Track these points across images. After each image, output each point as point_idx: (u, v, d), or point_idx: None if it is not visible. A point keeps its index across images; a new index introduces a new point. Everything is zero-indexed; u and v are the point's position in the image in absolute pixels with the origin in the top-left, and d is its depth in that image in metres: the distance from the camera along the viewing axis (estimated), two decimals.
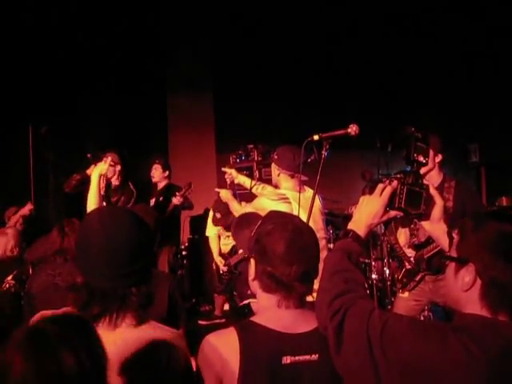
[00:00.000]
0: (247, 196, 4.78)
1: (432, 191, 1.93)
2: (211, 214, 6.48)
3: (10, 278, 4.10)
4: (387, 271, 5.74)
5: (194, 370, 1.72)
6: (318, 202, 3.79)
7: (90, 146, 5.33)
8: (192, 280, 7.49)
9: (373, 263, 6.01)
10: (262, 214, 2.13)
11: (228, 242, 6.29)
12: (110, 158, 3.76)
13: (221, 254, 6.29)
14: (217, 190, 4.96)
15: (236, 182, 4.73)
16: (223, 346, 1.68)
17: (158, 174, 6.44)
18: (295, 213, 3.13)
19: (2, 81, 6.60)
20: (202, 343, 1.72)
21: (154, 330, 1.70)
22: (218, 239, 6.39)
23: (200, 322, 6.46)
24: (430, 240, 3.67)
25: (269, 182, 4.40)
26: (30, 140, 6.81)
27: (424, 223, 1.99)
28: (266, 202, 3.75)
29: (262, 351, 1.67)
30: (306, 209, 3.28)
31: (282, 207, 3.60)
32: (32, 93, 6.82)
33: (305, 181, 3.88)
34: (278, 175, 3.94)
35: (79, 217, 3.43)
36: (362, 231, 1.84)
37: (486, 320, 1.42)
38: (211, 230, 6.45)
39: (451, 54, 7.42)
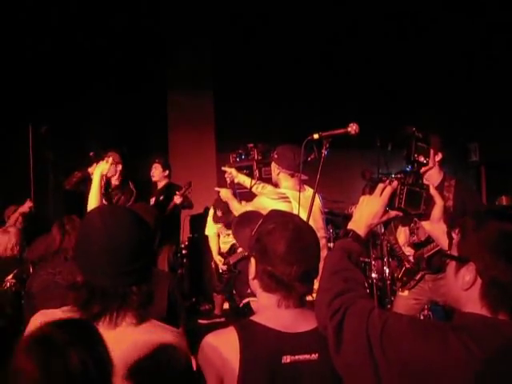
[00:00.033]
0: (247, 195, 4.78)
1: (432, 191, 1.93)
2: (211, 212, 6.48)
3: (10, 277, 4.10)
4: (387, 270, 5.73)
5: (194, 369, 1.72)
6: (317, 201, 3.79)
7: (90, 146, 5.33)
8: (192, 279, 7.50)
9: (373, 262, 6.01)
10: (263, 213, 2.13)
11: (227, 241, 6.29)
12: (111, 158, 3.76)
13: (220, 253, 6.29)
14: (217, 189, 4.96)
15: (236, 181, 4.73)
16: (223, 346, 1.68)
17: (157, 173, 6.44)
18: (295, 212, 3.13)
19: (2, 80, 6.60)
20: (201, 342, 1.72)
21: (154, 329, 1.70)
22: (218, 238, 6.39)
23: (200, 321, 6.46)
24: (429, 239, 3.67)
25: (269, 181, 4.40)
26: (30, 139, 6.82)
27: (424, 223, 1.99)
28: (266, 201, 3.75)
29: (261, 350, 1.67)
30: (306, 208, 3.28)
31: (281, 206, 3.60)
32: (32, 92, 6.82)
33: (305, 180, 3.88)
34: (278, 174, 3.94)
35: (79, 215, 3.43)
36: (361, 231, 1.84)
37: (486, 319, 1.42)
38: (211, 229, 6.45)
39: (451, 54, 7.42)
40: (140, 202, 5.30)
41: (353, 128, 3.12)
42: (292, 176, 3.86)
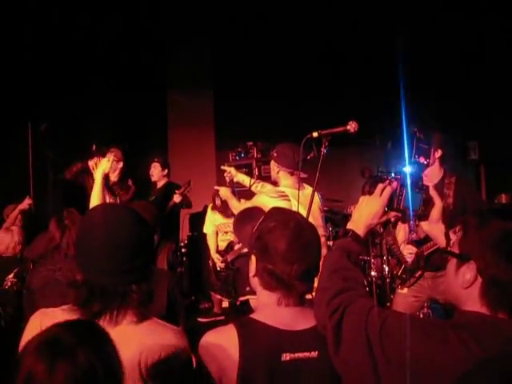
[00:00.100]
0: (246, 194, 4.79)
1: (431, 192, 1.94)
2: (209, 210, 6.48)
3: (11, 276, 4.09)
4: (386, 268, 5.74)
5: (194, 366, 1.72)
6: (317, 199, 3.79)
7: (90, 144, 5.32)
8: (191, 277, 7.49)
9: (372, 260, 6.01)
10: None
11: (225, 239, 6.29)
12: (112, 156, 3.76)
13: (218, 251, 6.29)
14: (216, 187, 4.96)
15: (235, 180, 4.73)
16: (223, 343, 1.68)
17: (156, 172, 6.43)
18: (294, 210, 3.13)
19: (2, 78, 6.59)
20: (201, 340, 1.72)
21: (155, 327, 1.70)
22: (216, 236, 6.39)
23: (199, 320, 6.46)
24: (429, 237, 3.67)
25: (268, 179, 4.40)
26: (30, 137, 6.81)
27: (422, 223, 2.00)
28: (266, 199, 3.75)
29: (261, 348, 1.67)
30: (306, 206, 3.28)
31: (281, 204, 3.59)
32: (31, 90, 6.81)
33: (304, 178, 3.88)
34: (278, 172, 3.94)
35: (79, 212, 3.43)
36: (361, 231, 1.85)
37: (485, 318, 1.42)
38: (209, 227, 6.45)
39: (450, 53, 7.42)
40: (139, 201, 5.30)
41: (352, 126, 3.11)
42: (291, 174, 3.86)
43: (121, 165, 5.51)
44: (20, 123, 6.79)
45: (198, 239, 7.34)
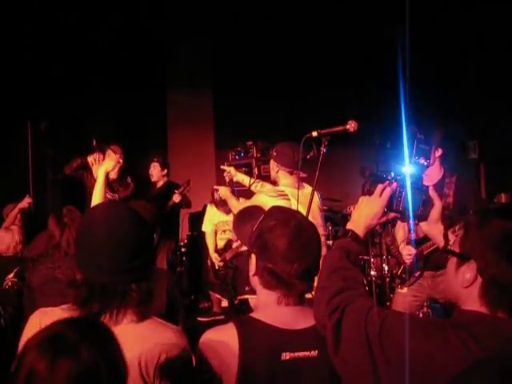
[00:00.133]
0: (246, 193, 4.78)
1: (431, 193, 1.94)
2: (208, 208, 6.49)
3: (11, 275, 4.08)
4: (386, 268, 5.75)
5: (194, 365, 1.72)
6: (316, 198, 3.78)
7: (89, 143, 5.32)
8: (191, 277, 7.50)
9: (372, 260, 6.02)
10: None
11: (224, 237, 6.30)
12: (117, 157, 3.76)
13: (216, 250, 6.30)
14: (215, 187, 4.96)
15: (235, 179, 4.73)
16: (222, 341, 1.68)
17: (156, 172, 6.44)
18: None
19: (1, 77, 6.58)
20: (201, 338, 1.72)
21: (155, 326, 1.70)
22: (215, 235, 6.40)
23: (199, 319, 6.46)
24: (428, 236, 3.66)
25: (268, 178, 4.40)
26: (29, 136, 6.81)
27: (422, 224, 2.00)
28: (265, 198, 3.74)
29: (261, 347, 1.67)
30: (305, 205, 3.28)
31: (280, 204, 3.59)
32: (30, 89, 6.81)
33: (304, 177, 3.88)
34: (277, 172, 3.93)
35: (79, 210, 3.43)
36: (360, 231, 1.85)
37: (485, 317, 1.42)
38: (208, 226, 6.46)
39: (450, 52, 7.42)
40: (139, 200, 5.30)
41: (351, 125, 3.12)
42: (291, 173, 3.86)
43: (120, 162, 5.51)
44: (19, 122, 6.79)
45: (198, 239, 7.35)
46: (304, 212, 3.16)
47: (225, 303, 6.46)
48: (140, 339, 1.62)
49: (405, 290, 4.02)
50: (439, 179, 3.79)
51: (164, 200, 6.12)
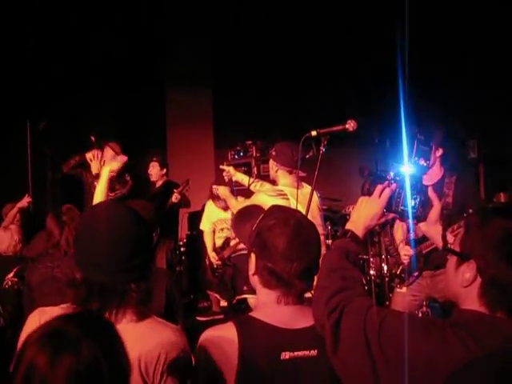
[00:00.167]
0: (245, 193, 4.78)
1: (430, 194, 1.94)
2: (207, 206, 6.49)
3: (11, 275, 4.08)
4: (385, 267, 5.75)
5: (193, 365, 1.72)
6: (315, 197, 3.78)
7: (88, 142, 5.32)
8: (190, 276, 7.49)
9: (371, 259, 6.02)
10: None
11: (221, 236, 6.30)
12: (122, 162, 3.77)
13: (214, 249, 6.30)
14: (215, 186, 4.96)
15: (234, 179, 4.73)
16: (222, 341, 1.68)
17: (155, 171, 6.44)
18: None
19: (0, 77, 6.58)
20: (200, 337, 1.72)
21: (154, 326, 1.71)
22: (213, 234, 6.39)
23: (198, 318, 6.46)
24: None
25: (267, 178, 4.40)
26: (28, 136, 6.80)
27: (420, 224, 2.00)
28: (264, 197, 3.74)
29: (260, 346, 1.67)
30: (304, 205, 3.28)
31: (279, 203, 3.59)
32: (29, 88, 6.80)
33: (303, 177, 3.88)
34: (276, 171, 3.93)
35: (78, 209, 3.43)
36: (359, 232, 1.86)
37: (484, 316, 1.41)
38: (206, 224, 6.46)
39: (449, 51, 7.42)
40: (138, 199, 5.30)
41: (351, 125, 3.12)
42: (290, 173, 3.86)
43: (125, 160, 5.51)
44: (19, 122, 6.78)
45: (197, 238, 7.35)
46: (303, 211, 3.16)
47: (224, 303, 6.46)
48: (140, 338, 1.62)
49: (404, 289, 4.02)
50: (439, 179, 3.80)
51: (163, 199, 6.11)
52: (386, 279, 5.70)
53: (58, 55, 7.07)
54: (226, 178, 4.84)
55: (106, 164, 3.42)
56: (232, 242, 6.03)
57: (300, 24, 7.59)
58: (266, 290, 1.79)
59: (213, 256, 6.24)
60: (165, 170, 6.50)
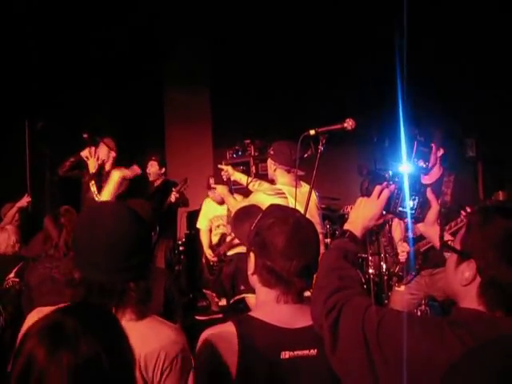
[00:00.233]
0: (244, 192, 4.79)
1: (429, 195, 1.94)
2: (204, 203, 6.48)
3: (12, 275, 4.07)
4: (384, 266, 5.76)
5: (193, 364, 1.72)
6: (314, 196, 3.79)
7: (87, 142, 5.32)
8: (189, 275, 7.49)
9: (370, 258, 6.03)
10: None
11: (218, 232, 6.30)
12: (138, 170, 3.79)
13: (210, 246, 6.30)
14: (213, 185, 4.96)
15: (232, 178, 4.73)
16: (221, 340, 1.68)
17: (154, 170, 6.43)
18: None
19: None
20: (200, 337, 1.72)
21: (153, 325, 1.71)
22: (210, 233, 6.39)
23: (197, 318, 6.46)
24: None
25: (266, 177, 4.40)
26: (26, 135, 6.79)
27: (419, 225, 2.01)
28: (263, 197, 3.75)
29: (260, 346, 1.67)
30: (303, 203, 3.29)
31: (278, 202, 3.59)
32: (28, 88, 6.80)
33: (301, 176, 3.88)
34: (275, 170, 3.94)
35: (76, 208, 3.43)
36: (358, 232, 1.86)
37: (482, 315, 1.41)
38: (203, 222, 6.46)
39: (448, 51, 7.42)
40: (136, 199, 5.30)
41: (349, 123, 3.12)
42: (288, 172, 3.86)
43: (113, 155, 5.50)
44: (17, 121, 6.77)
45: (196, 237, 7.35)
46: (301, 210, 3.16)
47: (222, 302, 6.47)
48: (139, 337, 1.61)
49: (402, 288, 4.03)
50: (437, 178, 3.82)
51: (162, 199, 6.11)
52: (385, 278, 5.71)
53: (56, 54, 7.06)
54: (224, 177, 4.84)
55: (119, 170, 3.45)
56: (228, 238, 6.04)
57: (298, 23, 7.59)
58: (265, 288, 1.79)
59: (209, 253, 6.25)
60: (163, 169, 6.50)
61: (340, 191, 7.24)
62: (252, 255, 1.83)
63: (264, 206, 2.04)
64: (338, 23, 7.60)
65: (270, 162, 3.99)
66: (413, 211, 1.92)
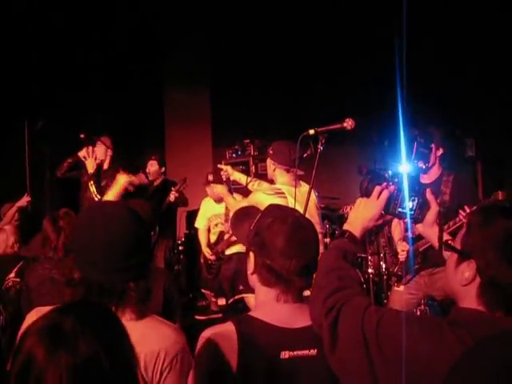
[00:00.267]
0: (243, 192, 4.79)
1: (428, 196, 1.94)
2: (203, 204, 6.48)
3: (12, 275, 4.07)
4: (383, 265, 5.76)
5: (193, 364, 1.72)
6: (313, 196, 3.79)
7: (85, 142, 5.31)
8: (189, 275, 7.50)
9: (369, 258, 6.03)
10: (260, 208, 2.13)
11: (216, 231, 6.29)
12: (144, 179, 3.82)
13: (209, 245, 6.30)
14: (212, 184, 4.96)
15: (232, 178, 4.73)
16: (221, 340, 1.67)
17: (154, 170, 6.43)
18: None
19: None
20: (200, 337, 1.72)
21: (153, 324, 1.71)
22: (208, 233, 6.39)
23: (197, 317, 6.46)
24: None
25: (265, 176, 4.40)
26: (26, 135, 6.79)
27: (418, 226, 2.01)
28: (262, 196, 3.75)
29: (260, 346, 1.67)
30: (302, 203, 3.29)
31: (277, 201, 3.59)
32: (28, 88, 6.80)
33: (301, 175, 3.88)
34: (274, 170, 3.94)
35: (75, 209, 3.43)
36: (357, 232, 1.87)
37: (482, 315, 1.41)
38: (201, 221, 6.46)
39: (448, 50, 7.42)
40: (136, 199, 5.29)
41: (348, 123, 3.12)
42: (287, 171, 3.86)
43: (110, 153, 5.50)
44: (17, 121, 6.76)
45: (195, 237, 7.36)
46: (301, 210, 3.16)
47: (221, 301, 6.47)
48: (139, 337, 1.61)
49: (401, 287, 4.04)
50: (437, 177, 3.82)
51: (161, 198, 6.11)
52: (385, 277, 5.71)
53: (56, 54, 7.06)
54: (223, 177, 4.84)
55: (125, 175, 3.48)
56: (226, 236, 6.04)
57: (298, 23, 7.59)
58: (264, 288, 1.79)
59: (207, 251, 6.25)
60: (163, 169, 6.50)
61: (339, 191, 7.25)
62: (251, 255, 1.83)
63: (263, 206, 2.04)
64: (338, 23, 7.60)
65: (269, 161, 3.99)
66: (412, 212, 1.92)
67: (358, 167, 6.94)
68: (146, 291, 1.70)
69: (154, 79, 8.69)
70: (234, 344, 1.65)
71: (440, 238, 1.74)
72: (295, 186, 3.53)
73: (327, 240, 5.81)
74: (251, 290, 1.90)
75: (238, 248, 5.78)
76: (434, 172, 3.84)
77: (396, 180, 1.93)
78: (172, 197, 6.07)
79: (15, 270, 4.07)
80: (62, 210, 3.42)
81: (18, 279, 3.99)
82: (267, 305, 1.78)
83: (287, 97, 7.99)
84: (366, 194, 1.94)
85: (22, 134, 6.78)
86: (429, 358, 1.35)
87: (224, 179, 4.84)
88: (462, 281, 1.46)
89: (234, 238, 5.47)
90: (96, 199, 4.71)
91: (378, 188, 1.90)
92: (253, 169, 5.60)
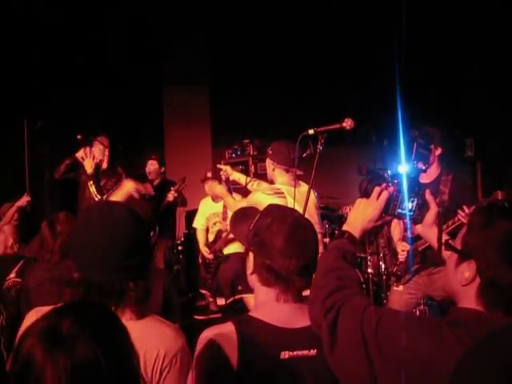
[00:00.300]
0: (243, 192, 4.79)
1: (428, 197, 1.94)
2: (201, 204, 6.49)
3: (13, 275, 4.06)
4: (383, 265, 5.76)
5: (192, 364, 1.72)
6: (313, 196, 3.79)
7: (82, 142, 5.31)
8: (188, 275, 7.50)
9: (368, 257, 6.03)
10: (259, 208, 2.13)
11: (214, 230, 6.30)
12: (151, 190, 3.84)
13: (207, 244, 6.30)
14: (210, 179, 4.96)
15: (231, 178, 4.73)
16: (221, 340, 1.67)
17: (153, 169, 6.43)
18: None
19: None
20: (199, 337, 1.72)
21: (153, 324, 1.71)
22: (206, 233, 6.40)
23: (196, 317, 6.46)
24: None
25: (264, 176, 4.40)
26: (25, 135, 6.79)
27: (417, 226, 2.01)
28: (261, 196, 3.74)
29: (260, 346, 1.67)
30: (301, 203, 3.29)
31: (276, 201, 3.59)
32: (27, 88, 6.79)
33: (300, 175, 3.88)
34: (273, 170, 3.94)
35: (75, 210, 3.42)
36: (357, 233, 1.86)
37: (481, 315, 1.41)
38: (200, 221, 6.46)
39: (448, 50, 7.42)
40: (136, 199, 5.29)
41: (348, 123, 3.13)
42: (287, 171, 3.86)
43: (107, 152, 5.50)
44: (16, 121, 6.76)
45: (195, 236, 7.36)
46: (300, 210, 3.16)
47: (221, 301, 6.47)
48: (139, 337, 1.61)
49: (400, 287, 4.04)
50: (436, 177, 3.82)
51: (160, 198, 6.11)
52: (384, 277, 5.71)
53: (55, 54, 7.06)
54: (223, 177, 4.84)
55: (131, 181, 3.53)
56: (223, 234, 6.04)
57: (298, 23, 7.59)
58: (264, 288, 1.79)
59: (205, 250, 6.25)
60: (163, 169, 6.50)
61: (339, 191, 7.24)
62: (251, 255, 1.83)
63: (263, 206, 2.05)
64: (338, 23, 7.60)
65: (268, 161, 3.99)
66: (411, 213, 1.92)
67: (358, 167, 6.94)
68: (146, 291, 1.70)
69: (153, 79, 8.70)
70: (233, 344, 1.65)
71: (439, 238, 1.74)
72: (294, 186, 3.53)
73: (327, 240, 5.81)
74: (250, 290, 1.90)
75: (236, 248, 5.78)
76: (433, 171, 3.84)
77: (395, 181, 1.93)
78: (171, 196, 6.07)
79: (16, 270, 4.07)
80: (62, 214, 3.40)
81: (18, 279, 3.99)
82: (267, 305, 1.78)
83: (287, 97, 7.98)
84: (365, 194, 1.94)
85: (22, 133, 6.78)
86: (428, 357, 1.35)
87: (223, 179, 4.84)
88: (461, 281, 1.45)
89: (231, 236, 5.47)
90: (96, 199, 4.71)
91: (377, 189, 1.90)
92: (252, 169, 5.60)
